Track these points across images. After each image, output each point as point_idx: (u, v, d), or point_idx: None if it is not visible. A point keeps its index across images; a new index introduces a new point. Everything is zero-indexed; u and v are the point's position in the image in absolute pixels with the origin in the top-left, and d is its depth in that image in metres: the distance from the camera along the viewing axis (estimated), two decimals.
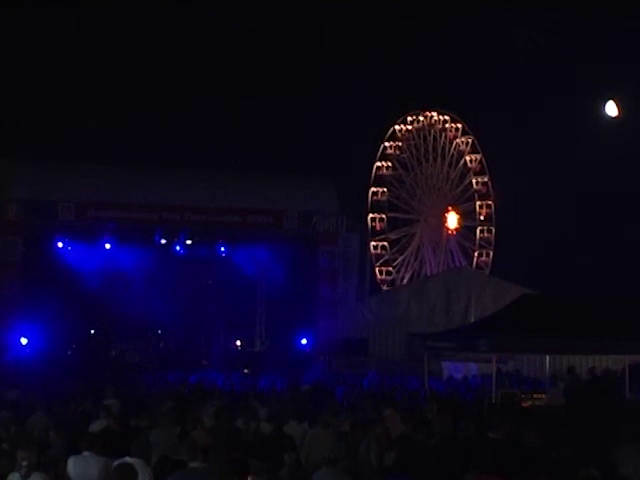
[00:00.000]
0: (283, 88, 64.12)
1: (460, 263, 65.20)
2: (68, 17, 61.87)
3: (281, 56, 66.25)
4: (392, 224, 67.32)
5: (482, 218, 67.44)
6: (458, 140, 67.49)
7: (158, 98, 61.28)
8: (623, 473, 13.12)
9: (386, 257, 67.12)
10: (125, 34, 61.33)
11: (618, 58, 58.90)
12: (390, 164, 66.99)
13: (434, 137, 67.70)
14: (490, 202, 67.31)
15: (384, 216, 66.76)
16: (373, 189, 66.37)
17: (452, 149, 67.58)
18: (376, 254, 66.31)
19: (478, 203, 67.66)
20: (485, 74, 65.48)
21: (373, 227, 66.40)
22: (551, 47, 61.18)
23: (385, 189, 66.73)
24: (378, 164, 66.78)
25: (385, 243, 67.21)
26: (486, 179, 67.12)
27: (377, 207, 66.51)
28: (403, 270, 67.07)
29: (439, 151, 67.77)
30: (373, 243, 66.01)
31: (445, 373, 36.82)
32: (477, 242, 67.86)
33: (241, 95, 63.71)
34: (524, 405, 27.40)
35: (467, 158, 67.41)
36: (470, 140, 67.03)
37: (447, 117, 67.32)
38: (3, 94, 56.69)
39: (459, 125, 67.08)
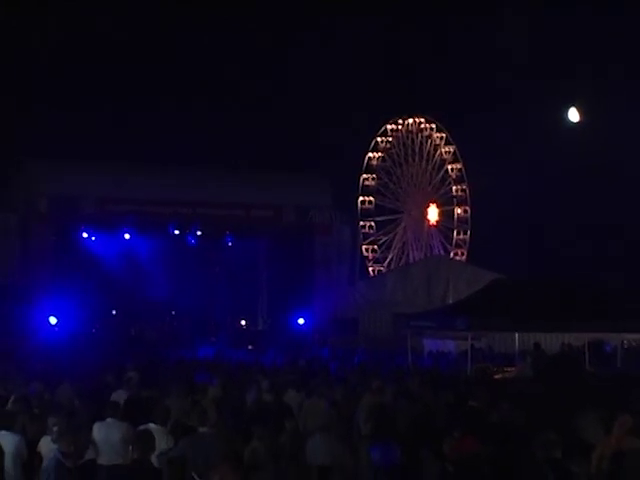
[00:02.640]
0: (284, 93, 63.94)
1: (439, 252, 65.17)
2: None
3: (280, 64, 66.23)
4: (379, 208, 67.31)
5: (459, 211, 67.51)
6: (442, 149, 67.50)
7: (170, 104, 61.19)
8: (583, 437, 13.14)
9: (372, 237, 67.12)
10: (128, 36, 60.83)
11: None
12: (381, 155, 67.02)
13: (420, 141, 67.71)
14: (464, 187, 67.33)
15: (372, 199, 66.75)
16: (364, 175, 66.38)
17: (436, 156, 67.59)
18: (364, 233, 66.30)
19: (455, 189, 67.72)
20: (473, 87, 65.31)
21: (362, 209, 66.37)
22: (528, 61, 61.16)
23: (375, 176, 66.77)
24: (370, 155, 66.81)
25: (372, 223, 67.21)
26: (464, 186, 67.18)
27: (366, 191, 66.50)
28: (388, 251, 67.09)
29: (424, 155, 67.72)
30: (361, 223, 65.95)
31: (426, 349, 36.80)
32: (454, 232, 67.89)
33: (245, 100, 63.55)
34: (496, 377, 27.41)
35: (449, 167, 67.44)
36: (452, 149, 67.09)
37: (433, 125, 67.31)
38: (31, 98, 56.48)
39: (443, 135, 67.10)
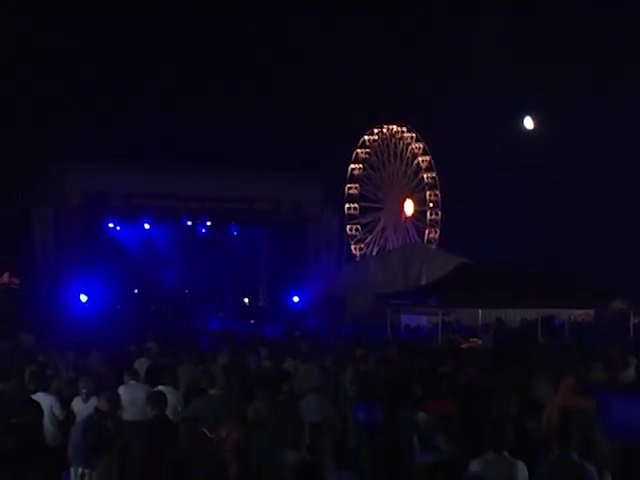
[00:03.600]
0: (282, 103, 63.68)
1: (415, 240, 65.19)
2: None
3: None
4: (363, 211, 67.33)
5: (431, 205, 67.62)
6: (413, 146, 67.49)
7: (184, 111, 60.97)
8: (536, 396, 13.22)
9: (359, 237, 67.12)
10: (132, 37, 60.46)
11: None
12: (361, 166, 67.06)
13: (395, 144, 67.70)
14: (437, 192, 67.40)
15: (357, 205, 66.81)
16: (348, 185, 66.46)
17: (408, 153, 67.53)
18: (351, 235, 66.28)
19: (428, 193, 67.72)
20: (437, 92, 65.05)
21: (349, 214, 66.42)
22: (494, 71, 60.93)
23: (357, 185, 66.80)
24: (352, 166, 66.84)
25: (358, 226, 67.20)
26: (434, 175, 67.25)
27: (351, 199, 66.59)
28: (372, 246, 67.10)
29: (398, 154, 67.67)
30: (349, 226, 65.98)
31: (403, 323, 36.76)
32: (427, 224, 67.93)
33: (250, 109, 63.36)
34: (462, 347, 27.47)
35: (419, 159, 67.44)
36: (422, 145, 67.10)
37: (404, 128, 67.30)
38: (62, 106, 56.26)
39: (413, 134, 67.14)
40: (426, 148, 67.23)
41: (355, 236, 66.65)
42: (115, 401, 11.57)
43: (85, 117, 53.68)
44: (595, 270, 42.19)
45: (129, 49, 60.49)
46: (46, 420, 12.38)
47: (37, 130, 53.10)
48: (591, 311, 36.26)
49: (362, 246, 66.80)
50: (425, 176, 67.59)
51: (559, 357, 19.59)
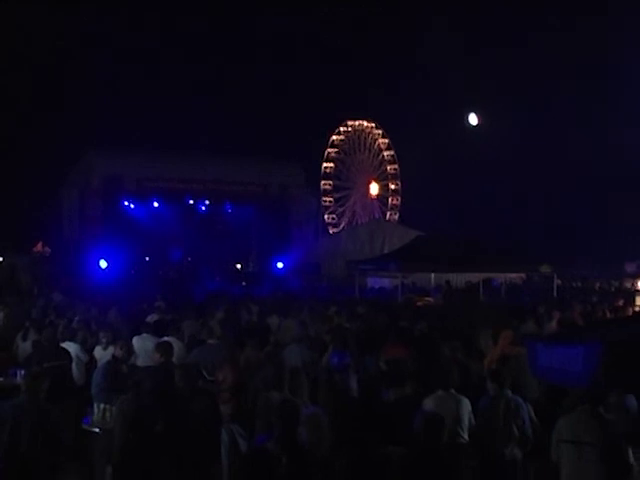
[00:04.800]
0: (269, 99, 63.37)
1: (379, 216, 65.24)
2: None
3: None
4: (336, 188, 67.25)
5: (393, 187, 67.59)
6: (379, 141, 67.39)
7: (189, 105, 60.62)
8: (479, 346, 13.30)
9: (332, 208, 67.05)
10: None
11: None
12: (336, 150, 66.90)
13: (364, 137, 67.54)
14: (398, 182, 67.36)
15: (331, 182, 66.74)
16: (325, 164, 66.29)
17: (375, 146, 67.50)
18: (325, 206, 66.17)
19: (390, 182, 67.70)
20: (401, 92, 64.89)
21: (324, 189, 66.33)
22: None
23: (332, 164, 66.71)
24: (328, 150, 66.72)
25: (331, 199, 67.14)
26: (396, 167, 67.17)
27: (327, 176, 66.48)
28: (342, 217, 67.12)
29: (367, 146, 67.61)
30: (323, 198, 65.92)
31: (369, 285, 36.82)
32: (389, 207, 67.92)
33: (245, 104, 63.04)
34: (418, 304, 27.47)
35: (384, 153, 67.36)
36: (387, 141, 67.01)
37: (373, 124, 67.19)
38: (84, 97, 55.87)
39: (380, 131, 67.02)
40: (390, 144, 67.14)
41: (328, 207, 66.65)
42: (129, 349, 11.60)
43: (105, 114, 53.35)
44: (527, 241, 42.43)
45: (140, 52, 60.03)
46: (73, 365, 12.40)
47: (65, 124, 52.70)
48: (523, 275, 36.46)
49: (334, 216, 66.83)
50: (388, 167, 67.49)
51: (497, 313, 19.65)
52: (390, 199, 68.02)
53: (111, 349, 11.96)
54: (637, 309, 21.24)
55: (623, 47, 53.31)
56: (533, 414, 9.17)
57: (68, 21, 54.81)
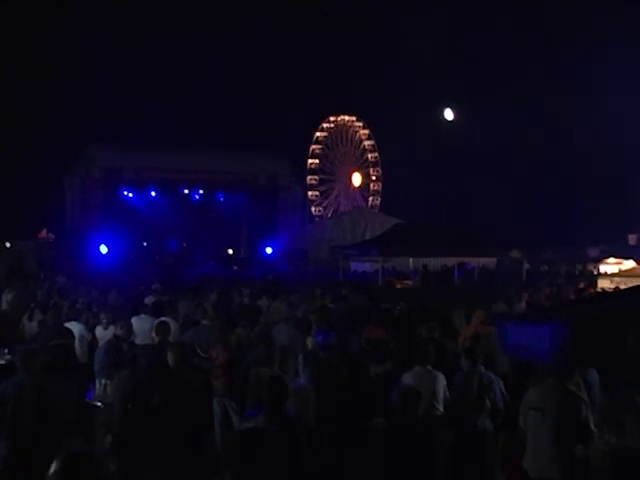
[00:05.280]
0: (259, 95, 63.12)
1: (361, 205, 65.28)
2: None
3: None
4: (321, 181, 67.14)
5: (374, 178, 67.57)
6: (360, 132, 67.33)
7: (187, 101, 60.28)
8: (453, 325, 13.34)
9: (317, 201, 66.96)
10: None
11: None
12: (320, 146, 66.75)
13: (346, 130, 67.44)
14: (379, 169, 67.39)
15: (316, 177, 66.63)
16: (310, 161, 66.20)
17: (356, 137, 67.40)
18: (311, 200, 66.17)
19: (371, 170, 67.64)
20: (382, 88, 64.63)
21: (310, 184, 66.24)
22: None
23: (317, 160, 66.57)
24: (313, 146, 66.59)
25: (317, 193, 67.06)
26: (376, 155, 67.13)
27: (312, 172, 66.37)
28: (327, 208, 66.99)
29: (349, 138, 67.52)
30: (310, 192, 65.86)
31: (352, 269, 36.93)
32: (371, 193, 67.90)
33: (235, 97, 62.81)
34: (397, 287, 27.59)
35: (365, 143, 67.32)
36: (367, 132, 66.98)
37: (354, 117, 67.09)
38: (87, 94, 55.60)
39: (361, 123, 66.93)
40: (371, 134, 67.04)
41: (315, 200, 66.56)
42: (128, 329, 11.59)
43: (105, 109, 53.12)
44: (498, 228, 42.52)
45: (137, 53, 59.71)
46: (76, 343, 12.39)
47: (68, 119, 52.46)
48: (494, 259, 36.59)
49: (320, 208, 66.75)
50: (369, 156, 67.45)
51: (470, 294, 19.74)
52: (372, 185, 67.98)
53: (111, 329, 11.96)
54: (599, 291, 21.36)
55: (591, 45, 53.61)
56: (503, 388, 9.22)
57: (68, 23, 54.60)
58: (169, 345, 9.86)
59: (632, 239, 46.31)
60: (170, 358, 9.15)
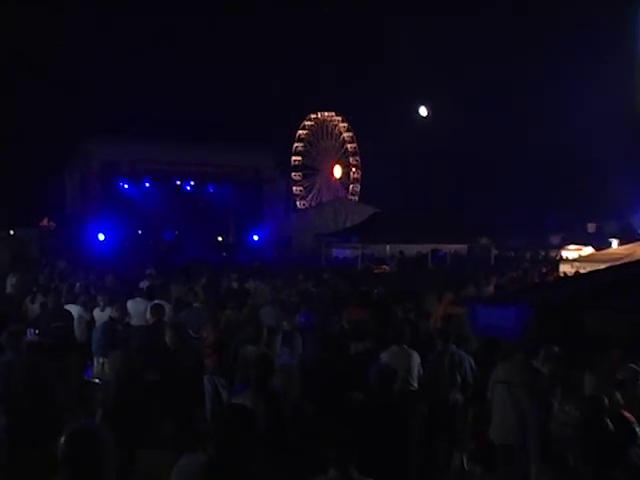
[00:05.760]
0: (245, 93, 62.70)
1: (342, 196, 65.15)
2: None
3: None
4: (304, 177, 66.73)
5: (353, 170, 67.44)
6: (339, 125, 66.99)
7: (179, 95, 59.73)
8: (426, 307, 13.39)
9: (302, 195, 66.53)
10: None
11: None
12: (302, 144, 66.39)
13: (327, 125, 67.12)
14: (357, 158, 67.08)
15: (300, 173, 66.23)
16: (293, 158, 65.83)
17: (336, 130, 67.09)
18: (296, 194, 65.63)
19: (351, 159, 67.39)
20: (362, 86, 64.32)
21: (294, 180, 65.86)
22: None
23: (300, 158, 66.16)
24: (296, 144, 66.18)
25: (301, 187, 66.71)
26: (355, 145, 66.82)
27: (295, 169, 65.95)
28: (311, 201, 66.55)
29: (330, 132, 67.19)
30: (294, 188, 65.40)
31: (333, 255, 36.97)
32: (351, 180, 67.72)
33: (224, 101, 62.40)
34: (375, 272, 27.65)
35: (344, 135, 66.91)
36: (346, 125, 66.58)
37: (333, 113, 66.71)
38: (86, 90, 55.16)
39: (340, 117, 66.56)
40: (350, 127, 66.80)
41: (299, 195, 66.22)
42: (123, 311, 11.59)
43: (102, 107, 52.77)
44: (469, 216, 42.59)
45: (132, 53, 59.20)
46: (75, 324, 12.34)
47: (68, 115, 52.08)
48: (465, 246, 36.72)
49: (304, 202, 66.41)
50: (349, 146, 67.19)
51: (443, 278, 19.83)
52: (352, 173, 67.71)
53: (108, 311, 11.93)
54: (561, 275, 21.48)
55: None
56: (473, 364, 9.28)
57: (68, 22, 54.05)
58: (167, 325, 9.87)
59: (591, 227, 46.62)
60: (168, 338, 9.17)
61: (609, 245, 32.39)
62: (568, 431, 6.35)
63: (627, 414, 6.87)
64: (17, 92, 50.05)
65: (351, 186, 67.56)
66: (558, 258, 33.21)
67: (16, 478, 7.08)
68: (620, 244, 28.83)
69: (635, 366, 7.59)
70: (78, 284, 16.83)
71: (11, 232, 41.30)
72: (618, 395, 7.24)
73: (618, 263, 8.94)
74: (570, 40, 51.01)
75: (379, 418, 6.60)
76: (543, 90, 53.54)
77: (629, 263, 6.71)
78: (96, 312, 12.75)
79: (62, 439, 3.59)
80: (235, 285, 18.05)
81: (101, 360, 9.86)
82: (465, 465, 8.71)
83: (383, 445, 6.17)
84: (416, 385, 8.98)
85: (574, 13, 51.81)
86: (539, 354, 7.53)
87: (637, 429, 6.55)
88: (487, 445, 7.41)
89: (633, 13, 45.02)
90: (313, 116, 66.69)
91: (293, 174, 65.45)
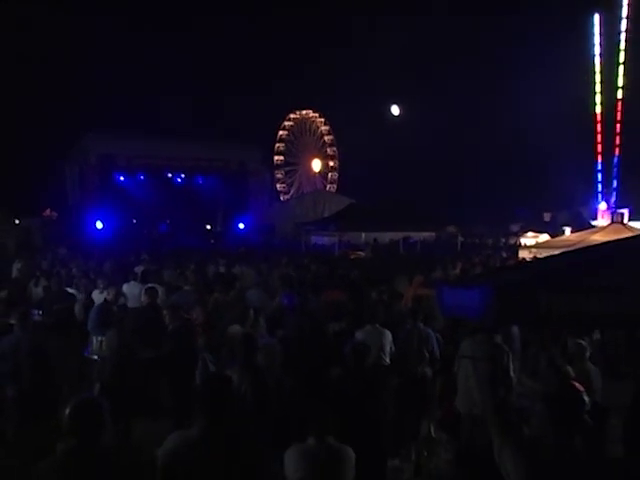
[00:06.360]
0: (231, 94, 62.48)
1: (320, 187, 65.10)
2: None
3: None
4: (286, 173, 66.53)
5: (331, 164, 67.32)
6: (319, 124, 66.84)
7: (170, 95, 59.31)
8: (398, 289, 13.41)
9: (284, 190, 66.28)
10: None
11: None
12: (283, 144, 66.10)
13: (308, 124, 66.93)
14: (334, 149, 66.96)
15: (283, 171, 66.03)
16: (276, 157, 65.58)
17: (317, 129, 66.93)
18: (280, 190, 65.45)
19: (329, 154, 67.30)
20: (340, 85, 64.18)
21: (277, 177, 65.66)
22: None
23: (282, 157, 65.86)
24: (277, 145, 65.94)
25: (284, 185, 66.48)
26: (331, 138, 66.61)
27: (278, 167, 65.75)
28: (292, 191, 66.45)
29: (311, 130, 67.03)
30: (277, 184, 65.21)
31: (312, 242, 36.95)
32: (329, 176, 67.66)
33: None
34: (351, 257, 27.68)
35: (325, 136, 66.85)
36: (323, 120, 66.36)
37: (311, 110, 66.48)
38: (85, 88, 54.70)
39: (322, 119, 66.41)
40: (330, 129, 66.64)
41: (282, 190, 66.02)
42: (117, 294, 11.54)
43: (99, 105, 52.44)
44: (438, 206, 42.75)
45: (129, 54, 58.71)
46: (76, 305, 12.28)
47: (68, 113, 51.73)
48: (434, 234, 36.84)
49: (286, 191, 66.28)
50: (327, 143, 67.03)
51: (413, 263, 19.88)
52: (329, 170, 67.56)
53: (105, 293, 11.87)
54: (520, 260, 21.61)
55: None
56: (441, 340, 9.34)
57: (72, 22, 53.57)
58: (167, 307, 9.86)
59: (547, 216, 46.90)
60: (166, 317, 9.19)
61: (562, 233, 32.61)
62: (525, 402, 6.41)
63: (577, 385, 6.97)
64: (19, 93, 49.53)
65: (330, 174, 67.39)
66: (517, 245, 33.42)
67: (25, 446, 7.10)
68: (572, 232, 29.03)
69: (582, 342, 7.74)
70: (74, 269, 16.72)
71: (16, 221, 41.04)
72: (569, 368, 7.38)
73: (571, 249, 8.98)
74: (531, 47, 51.16)
75: (354, 390, 6.61)
76: (509, 93, 53.58)
77: (580, 249, 6.75)
78: (95, 294, 12.67)
79: (67, 409, 3.73)
80: (222, 270, 17.97)
81: (99, 338, 9.80)
82: (432, 432, 8.76)
83: (358, 415, 6.18)
84: (388, 360, 9.01)
85: (533, 18, 52.04)
86: (500, 331, 7.61)
87: (585, 398, 6.66)
88: (453, 414, 7.46)
89: (587, 20, 45.41)
90: (293, 116, 66.33)
91: (276, 172, 65.24)
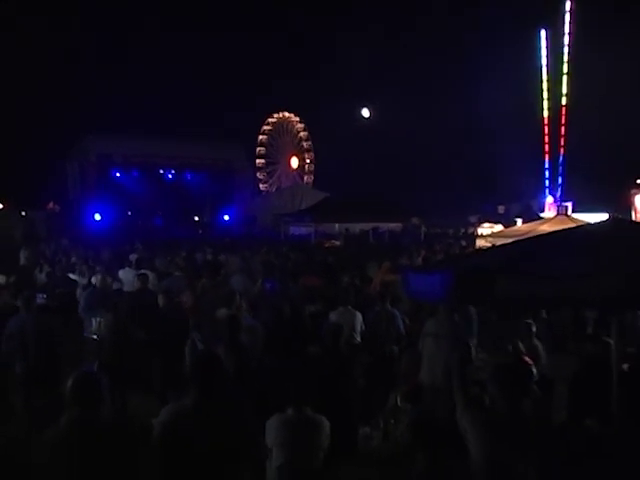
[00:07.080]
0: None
1: (298, 181, 64.74)
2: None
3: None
4: (267, 165, 65.96)
5: (308, 161, 67.02)
6: (297, 125, 66.33)
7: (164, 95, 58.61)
8: (368, 274, 13.44)
9: (264, 180, 65.72)
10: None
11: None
12: (266, 137, 65.44)
13: (287, 124, 66.34)
14: (312, 153, 66.70)
15: (263, 160, 65.01)
16: (258, 148, 65.01)
17: (294, 129, 66.40)
18: (260, 179, 64.70)
19: (306, 155, 66.98)
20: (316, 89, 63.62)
21: (258, 167, 64.79)
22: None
23: (263, 160, 64.98)
24: (260, 137, 65.24)
25: (264, 173, 65.78)
26: (310, 143, 66.29)
27: (260, 156, 64.79)
28: (272, 186, 65.78)
29: (289, 130, 66.42)
30: (258, 173, 64.61)
31: (290, 232, 36.84)
32: (306, 172, 67.36)
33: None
34: (326, 246, 27.65)
35: (301, 134, 66.29)
36: (303, 124, 65.96)
37: (290, 112, 65.96)
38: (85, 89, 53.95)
39: (298, 118, 65.91)
40: (306, 127, 66.25)
41: (262, 179, 65.66)
42: (112, 279, 11.50)
43: (98, 108, 51.78)
44: (404, 199, 42.75)
45: (125, 57, 57.91)
46: (78, 289, 12.19)
47: (70, 114, 50.99)
48: (400, 224, 36.90)
49: (267, 186, 65.81)
50: (304, 144, 66.69)
51: (382, 251, 19.93)
52: (306, 166, 67.01)
53: (103, 277, 11.79)
54: (477, 248, 21.74)
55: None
56: (407, 320, 9.38)
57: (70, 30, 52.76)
58: (160, 291, 9.81)
59: (501, 209, 47.15)
60: (160, 300, 9.16)
61: (515, 223, 32.79)
62: (482, 375, 6.45)
63: (527, 358, 7.11)
64: (21, 94, 48.85)
65: (306, 177, 67.14)
66: (475, 234, 33.60)
67: (32, 417, 7.10)
68: (523, 222, 29.22)
69: (530, 321, 7.88)
70: (74, 258, 16.58)
71: (23, 213, 40.68)
72: (520, 344, 7.49)
73: (522, 238, 9.05)
74: (485, 58, 51.24)
75: (330, 367, 6.62)
76: (468, 98, 53.74)
77: (530, 238, 6.80)
78: (94, 279, 12.59)
79: (69, 382, 3.72)
80: (210, 257, 17.90)
81: (98, 319, 9.73)
82: (398, 403, 8.80)
83: (333, 388, 6.19)
84: (359, 339, 9.03)
85: (487, 34, 52.19)
86: (459, 312, 7.65)
87: (533, 370, 6.81)
88: (417, 387, 7.50)
89: (534, 35, 46.26)
90: (271, 120, 65.76)
91: (257, 161, 64.87)
